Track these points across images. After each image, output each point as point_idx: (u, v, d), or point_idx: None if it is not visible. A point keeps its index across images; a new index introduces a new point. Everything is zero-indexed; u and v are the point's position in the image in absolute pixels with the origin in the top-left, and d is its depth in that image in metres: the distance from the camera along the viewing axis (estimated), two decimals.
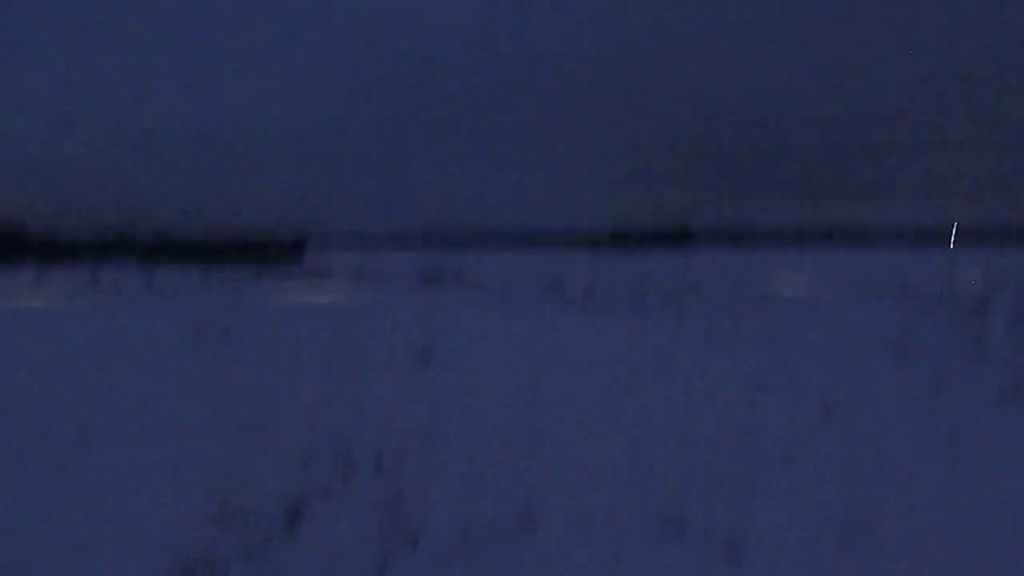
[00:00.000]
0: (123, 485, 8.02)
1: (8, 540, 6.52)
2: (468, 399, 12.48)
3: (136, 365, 16.57)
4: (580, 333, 21.83)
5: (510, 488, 7.73)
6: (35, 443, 9.91)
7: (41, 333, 23.95)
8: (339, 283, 55.49)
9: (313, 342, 19.99)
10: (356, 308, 31.98)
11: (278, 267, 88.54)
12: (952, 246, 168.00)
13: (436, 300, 35.20)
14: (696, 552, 6.37)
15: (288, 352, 18.22)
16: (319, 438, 9.79)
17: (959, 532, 6.58)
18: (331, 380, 14.32)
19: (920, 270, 66.09)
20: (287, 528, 6.70)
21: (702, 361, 16.28)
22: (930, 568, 6.08)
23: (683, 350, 18.00)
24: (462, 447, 9.37)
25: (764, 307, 30.21)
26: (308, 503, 7.30)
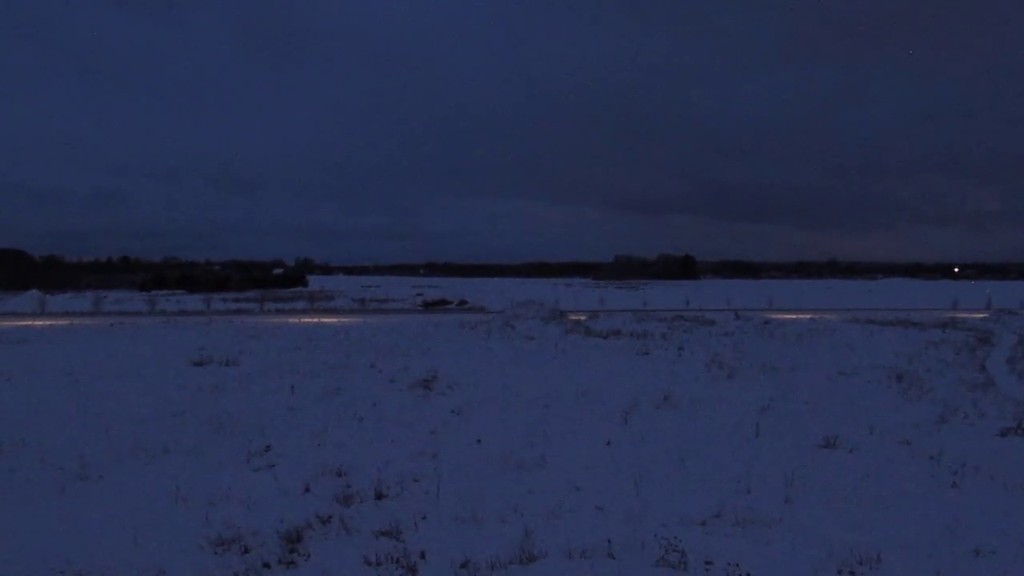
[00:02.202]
0: (123, 509, 7.98)
1: (10, 566, 6.49)
2: (468, 428, 12.44)
3: (138, 389, 16.56)
4: (583, 363, 21.79)
5: (510, 518, 7.69)
6: (37, 465, 9.88)
7: (46, 354, 23.93)
8: (341, 309, 55.50)
9: (315, 367, 19.96)
10: (357, 334, 31.97)
11: (280, 292, 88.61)
12: (956, 276, 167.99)
13: (438, 327, 35.19)
14: None
15: (289, 375, 18.19)
16: (319, 464, 9.75)
17: (963, 567, 6.54)
18: (331, 406, 14.29)
19: (924, 301, 66.09)
20: (286, 554, 6.67)
21: (705, 391, 16.24)
22: None
23: (686, 380, 17.96)
24: (462, 476, 9.33)
25: (767, 337, 30.17)
26: (307, 530, 7.27)
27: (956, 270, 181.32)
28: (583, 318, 40.05)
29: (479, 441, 11.32)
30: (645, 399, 14.96)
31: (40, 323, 41.62)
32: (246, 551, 6.76)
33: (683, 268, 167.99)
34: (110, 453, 10.58)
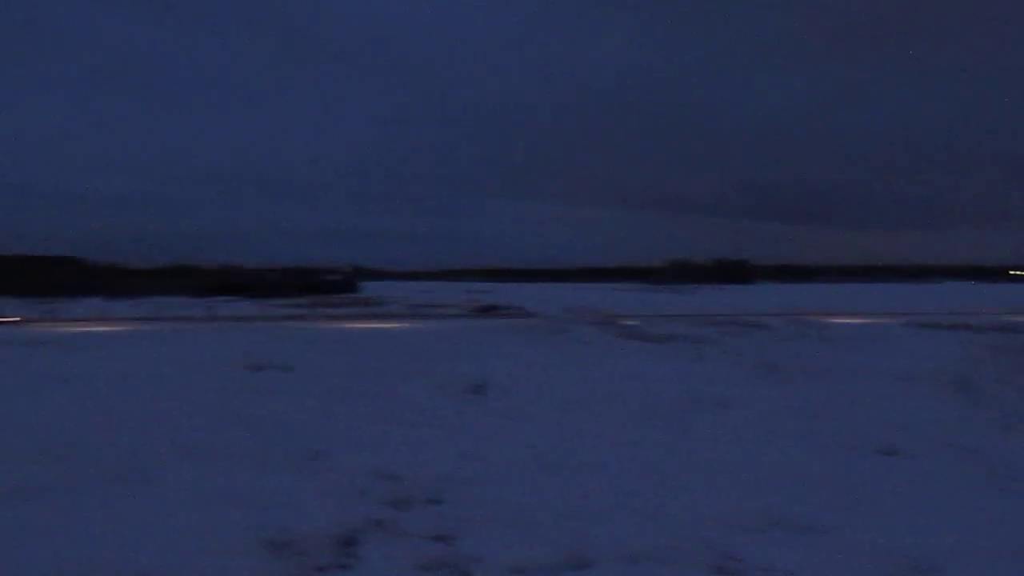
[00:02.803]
0: (180, 511, 8.11)
1: (69, 567, 6.62)
2: (521, 432, 12.44)
3: (193, 393, 16.82)
4: (634, 367, 21.68)
5: (561, 523, 7.67)
6: (95, 468, 10.08)
7: (103, 358, 24.45)
8: (393, 314, 55.88)
9: (368, 372, 20.12)
10: (410, 339, 32.16)
11: (333, 298, 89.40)
12: (1015, 278, 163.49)
13: (490, 332, 35.26)
14: None
15: (342, 380, 18.35)
16: (371, 469, 9.81)
17: None
18: (385, 410, 14.38)
19: (983, 303, 64.59)
20: (340, 558, 6.73)
21: (758, 396, 16.05)
22: None
23: (739, 385, 17.78)
24: (515, 481, 9.33)
25: (822, 342, 29.74)
26: (360, 533, 7.32)
27: (1014, 272, 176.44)
28: (636, 322, 39.83)
29: (531, 446, 11.31)
30: (699, 404, 14.84)
31: (98, 328, 42.51)
32: (300, 554, 6.83)
33: (737, 272, 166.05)
34: (165, 456, 10.75)
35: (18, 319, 49.32)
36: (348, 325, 43.29)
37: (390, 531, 7.42)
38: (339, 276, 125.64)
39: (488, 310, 60.67)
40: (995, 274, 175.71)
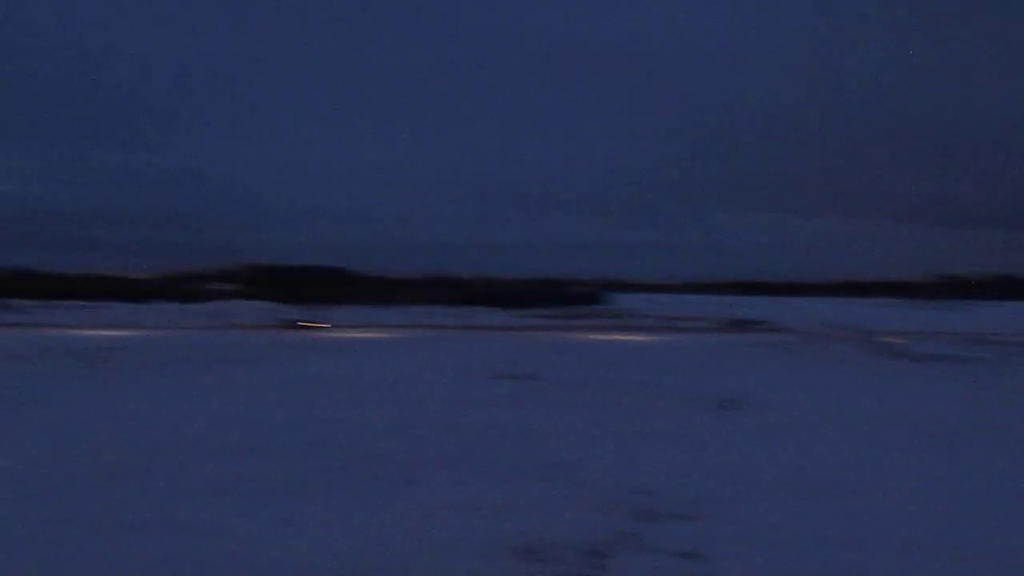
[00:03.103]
0: (437, 513, 8.30)
1: (338, 561, 6.89)
2: (777, 451, 11.82)
3: (445, 399, 17.39)
4: (899, 388, 20.19)
5: (817, 548, 7.13)
6: (358, 469, 10.56)
7: (363, 364, 25.92)
8: (640, 327, 55.61)
9: (614, 384, 20.01)
10: (657, 353, 31.80)
11: (580, 310, 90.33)
12: None
13: (741, 347, 34.22)
14: None
15: (589, 392, 18.35)
16: (622, 481, 9.63)
17: None
18: (632, 422, 14.18)
19: None
20: (589, 569, 6.58)
21: None
22: None
23: (1016, 407, 16.09)
24: (771, 502, 8.83)
25: None
26: (610, 546, 7.15)
27: None
28: (899, 340, 37.28)
29: (787, 466, 10.70)
30: (969, 430, 13.52)
31: (358, 335, 45.26)
32: (549, 562, 6.76)
33: (1011, 286, 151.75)
34: (421, 459, 11.11)
35: (327, 325, 54.44)
36: (594, 337, 43.51)
37: (639, 545, 7.21)
38: (586, 288, 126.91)
39: (739, 324, 59.00)
40: None
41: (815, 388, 19.58)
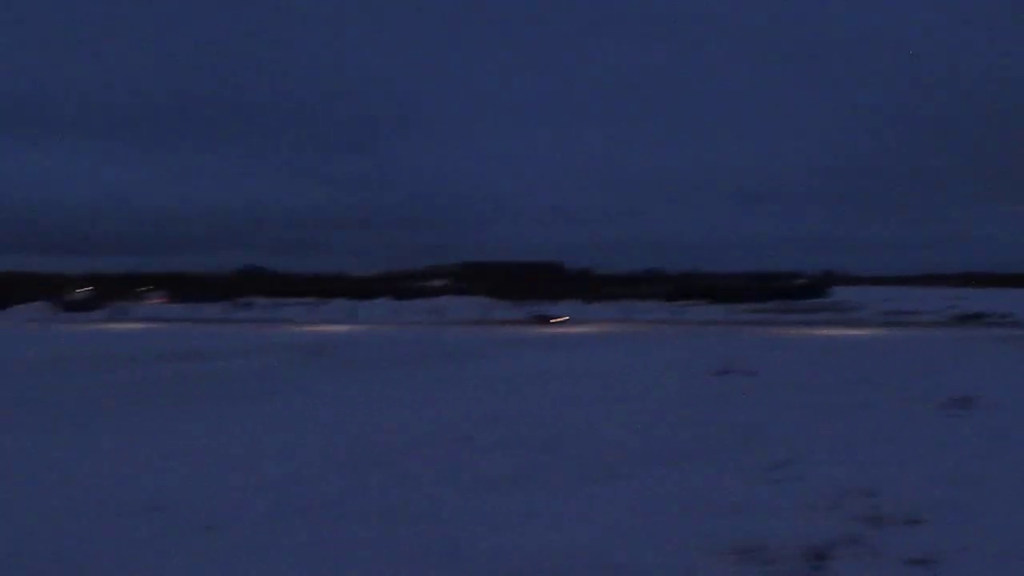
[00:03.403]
0: (646, 509, 8.37)
1: (544, 552, 7.10)
2: (1013, 452, 11.00)
3: (660, 395, 17.37)
4: None
5: None
6: (572, 461, 10.80)
7: (580, 359, 26.26)
8: (863, 322, 53.05)
9: (836, 381, 19.25)
10: (882, 348, 30.26)
11: (799, 304, 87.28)
12: None
13: (972, 342, 31.97)
14: None
15: (809, 388, 17.76)
16: (843, 482, 9.30)
17: None
18: (856, 421, 13.62)
19: None
20: (809, 571, 6.44)
21: None
22: None
23: None
24: (1007, 506, 8.25)
25: None
26: (831, 548, 6.94)
27: None
28: None
29: None
30: None
31: (575, 330, 45.78)
32: (767, 563, 6.66)
33: None
34: (633, 454, 11.20)
35: (566, 318, 56.63)
36: (814, 332, 41.93)
37: (863, 549, 6.94)
38: (806, 281, 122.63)
39: (970, 318, 54.99)
40: None
41: None
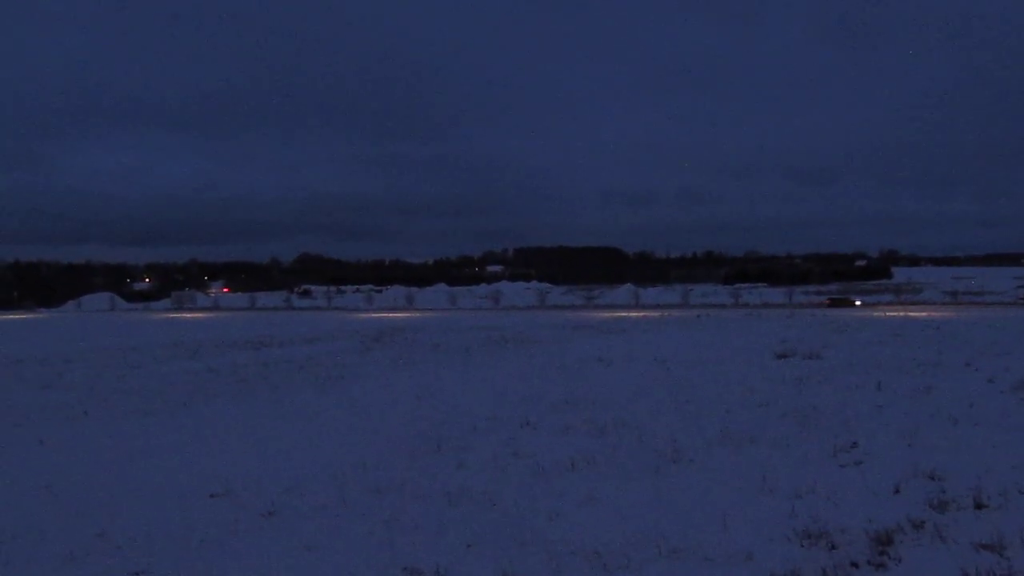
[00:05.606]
0: (712, 493, 8.45)
1: (612, 535, 7.25)
2: None
3: (723, 378, 17.36)
4: None
5: None
6: (636, 445, 10.91)
7: (640, 343, 26.27)
8: (928, 302, 52.08)
9: (902, 362, 19.05)
10: (948, 328, 29.75)
11: (864, 286, 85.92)
12: None
13: None
14: None
15: (874, 370, 17.61)
16: (909, 466, 9.28)
17: None
18: (922, 403, 13.51)
19: None
20: (875, 556, 6.49)
21: None
22: None
23: None
24: None
25: None
26: (897, 532, 6.97)
27: None
28: None
29: None
30: None
31: (634, 314, 45.78)
32: (833, 547, 6.71)
33: None
34: (699, 438, 11.26)
35: (858, 303, 54.31)
36: (879, 314, 41.32)
37: (930, 534, 6.95)
38: (868, 262, 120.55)
39: None
40: None
41: None
